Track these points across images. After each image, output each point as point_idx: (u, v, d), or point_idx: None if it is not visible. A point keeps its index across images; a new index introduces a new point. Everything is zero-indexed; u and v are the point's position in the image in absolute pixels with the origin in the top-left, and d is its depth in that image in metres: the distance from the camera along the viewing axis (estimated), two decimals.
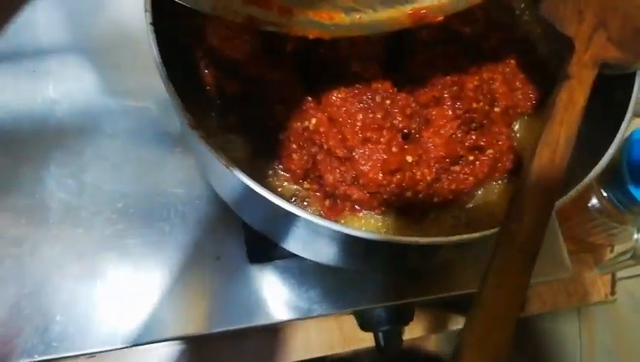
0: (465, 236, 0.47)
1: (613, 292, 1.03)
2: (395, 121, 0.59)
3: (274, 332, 0.85)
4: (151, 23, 0.50)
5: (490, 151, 0.62)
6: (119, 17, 0.83)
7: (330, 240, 0.53)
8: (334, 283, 0.75)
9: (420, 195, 0.59)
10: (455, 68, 0.63)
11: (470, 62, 0.64)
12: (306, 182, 0.61)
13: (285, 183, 0.62)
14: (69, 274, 0.71)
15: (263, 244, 0.73)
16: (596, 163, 0.53)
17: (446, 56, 0.63)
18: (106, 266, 0.72)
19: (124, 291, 0.71)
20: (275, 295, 0.74)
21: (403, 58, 0.65)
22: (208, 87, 0.62)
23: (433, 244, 0.47)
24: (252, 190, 0.47)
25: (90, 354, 0.69)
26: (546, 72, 0.68)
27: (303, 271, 0.76)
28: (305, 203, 0.62)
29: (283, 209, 0.46)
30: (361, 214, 0.61)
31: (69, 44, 0.82)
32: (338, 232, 0.47)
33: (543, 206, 0.50)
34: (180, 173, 0.77)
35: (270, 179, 0.62)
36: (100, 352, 0.70)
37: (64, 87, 0.80)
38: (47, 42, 0.81)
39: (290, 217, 0.48)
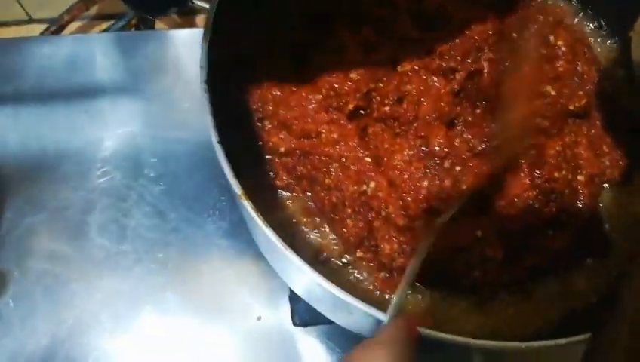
0: (546, 342, 0.40)
1: None
2: (464, 190, 0.52)
3: None
4: (204, 81, 0.46)
5: (572, 226, 0.54)
6: (175, 64, 0.81)
7: None
8: None
9: (489, 276, 0.52)
10: (535, 128, 0.56)
11: (552, 122, 0.57)
12: (359, 251, 0.55)
13: (335, 248, 0.57)
14: (105, 328, 0.68)
15: (308, 306, 0.67)
16: None
17: None
18: (143, 321, 0.68)
19: (159, 351, 0.67)
20: (319, 361, 0.68)
21: (473, 111, 0.59)
22: (261, 143, 0.58)
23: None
24: (312, 279, 0.41)
25: None
26: (638, 134, 0.60)
27: (351, 339, 0.69)
28: (355, 273, 0.56)
29: (348, 303, 0.40)
30: (419, 290, 0.54)
31: (123, 86, 0.80)
32: None
33: None
34: (225, 223, 0.73)
35: (320, 244, 0.57)
36: None
37: (113, 129, 0.78)
38: (101, 83, 0.80)
39: (352, 308, 0.42)
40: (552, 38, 0.60)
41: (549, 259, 0.54)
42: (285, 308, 0.69)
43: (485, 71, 0.57)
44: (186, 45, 0.82)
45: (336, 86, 0.53)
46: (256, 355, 0.68)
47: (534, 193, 0.54)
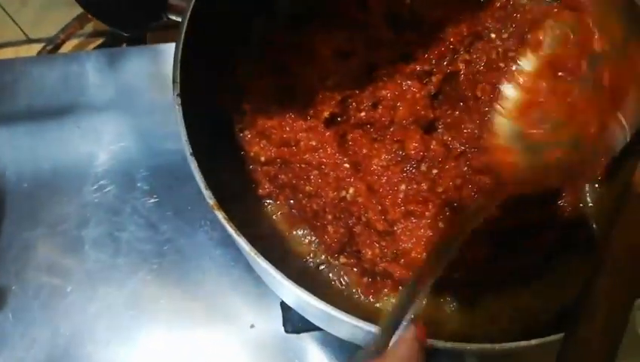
0: (520, 343, 0.40)
1: None
2: (441, 192, 0.52)
3: None
4: (178, 95, 0.47)
5: (556, 225, 0.54)
6: (166, 77, 0.82)
7: None
8: None
9: (471, 277, 0.52)
10: None
11: None
12: (342, 256, 0.55)
13: (319, 256, 0.57)
14: (102, 339, 0.69)
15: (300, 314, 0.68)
16: None
17: None
18: (139, 332, 0.69)
19: (155, 361, 0.68)
20: None
21: (452, 113, 0.59)
22: (243, 152, 0.59)
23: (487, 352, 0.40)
24: (294, 292, 0.42)
25: None
26: None
27: (344, 344, 0.69)
28: (340, 278, 0.56)
29: (334, 316, 0.41)
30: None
31: (115, 101, 0.81)
32: None
33: (620, 304, 0.41)
34: (217, 233, 0.74)
35: (304, 251, 0.57)
36: None
37: (106, 144, 0.79)
38: (93, 100, 0.81)
39: (337, 320, 0.42)
40: (529, 37, 0.60)
41: (533, 259, 0.54)
42: (278, 315, 0.69)
43: (462, 72, 0.57)
44: None
45: (313, 93, 0.54)
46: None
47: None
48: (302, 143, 0.55)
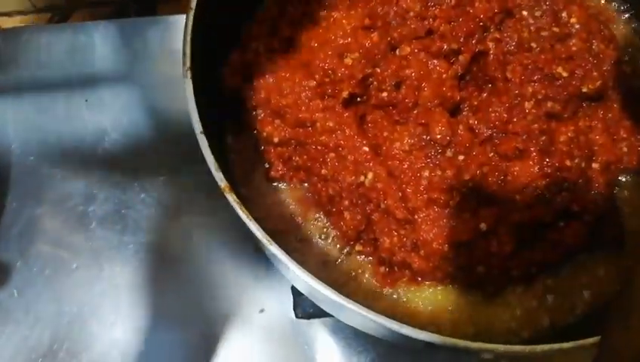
0: (552, 346, 0.37)
1: None
2: (468, 180, 0.49)
3: None
4: (188, 69, 0.43)
5: (586, 217, 0.51)
6: (177, 49, 0.79)
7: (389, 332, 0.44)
8: (389, 349, 0.66)
9: (495, 271, 0.49)
10: (545, 112, 0.53)
11: (564, 105, 0.53)
12: (358, 244, 0.53)
13: (334, 243, 0.54)
14: (107, 319, 0.67)
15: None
16: None
17: (535, 98, 0.53)
18: (144, 312, 0.68)
19: (161, 343, 0.66)
20: (323, 355, 0.66)
21: (479, 95, 0.55)
22: (255, 131, 0.55)
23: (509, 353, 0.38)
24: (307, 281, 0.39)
25: None
26: None
27: (356, 332, 0.67)
28: (355, 267, 0.53)
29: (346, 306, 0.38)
30: (422, 284, 0.52)
31: (124, 74, 0.78)
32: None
33: None
34: (227, 214, 0.71)
35: (318, 238, 0.55)
36: None
37: (114, 118, 0.76)
38: (101, 73, 0.78)
39: (349, 310, 0.40)
40: (564, 15, 0.56)
41: (560, 253, 0.51)
42: (288, 300, 0.67)
43: (491, 52, 0.53)
44: None
45: (330, 72, 0.50)
46: (259, 347, 0.67)
47: (544, 182, 0.50)
48: (318, 124, 0.52)
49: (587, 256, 0.53)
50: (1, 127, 0.76)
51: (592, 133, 0.53)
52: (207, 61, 0.48)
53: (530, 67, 0.53)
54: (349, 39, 0.51)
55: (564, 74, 0.52)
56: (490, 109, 0.53)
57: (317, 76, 0.51)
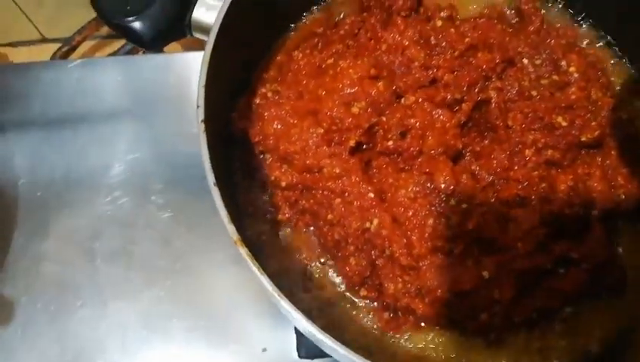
0: None
1: None
2: (471, 229, 0.50)
3: None
4: (202, 121, 0.45)
5: (585, 265, 0.52)
6: (184, 87, 0.80)
7: None
8: None
9: (497, 317, 0.50)
10: (545, 160, 0.54)
11: (563, 154, 0.54)
12: (363, 289, 0.54)
13: (339, 287, 0.55)
14: (111, 357, 0.68)
15: None
16: None
17: (536, 146, 0.54)
18: (149, 351, 0.68)
19: None
20: None
21: (481, 142, 0.56)
22: (263, 175, 0.57)
23: None
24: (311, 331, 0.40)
25: None
26: None
27: None
28: (359, 312, 0.54)
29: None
30: (425, 330, 0.53)
31: (130, 110, 0.80)
32: None
33: None
34: (232, 250, 0.72)
35: (324, 282, 0.55)
36: None
37: (121, 154, 0.77)
38: (109, 108, 0.80)
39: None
40: (563, 63, 0.58)
41: (560, 299, 0.52)
42: (291, 340, 0.68)
43: (493, 100, 0.55)
44: (194, 68, 0.82)
45: (337, 120, 0.52)
46: None
47: (544, 230, 0.51)
48: (325, 170, 0.53)
49: (589, 302, 0.54)
50: (9, 161, 0.77)
51: (590, 181, 0.55)
52: (221, 109, 0.50)
53: (530, 115, 0.55)
54: (356, 88, 0.53)
55: (564, 123, 0.54)
56: (492, 156, 0.54)
57: (324, 124, 0.52)
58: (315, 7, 0.64)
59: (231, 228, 0.42)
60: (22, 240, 0.73)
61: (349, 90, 0.53)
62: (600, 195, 0.54)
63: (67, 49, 0.99)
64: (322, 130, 0.53)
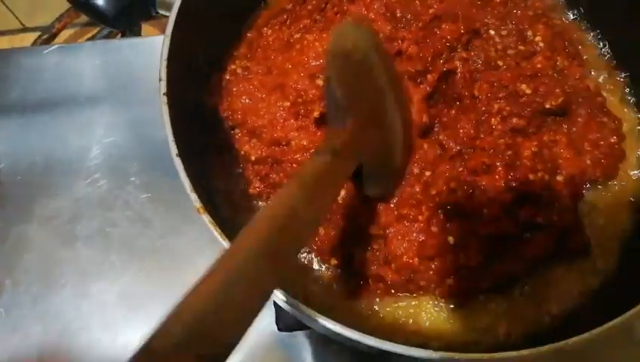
0: (514, 353, 0.39)
1: None
2: (434, 195, 0.51)
3: None
4: (164, 94, 0.45)
5: (550, 229, 0.52)
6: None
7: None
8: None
9: (464, 283, 0.51)
10: (510, 128, 0.55)
11: (528, 121, 0.55)
12: (333, 259, 0.54)
13: (310, 257, 0.56)
14: (94, 336, 0.69)
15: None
16: None
17: (501, 115, 0.55)
18: (131, 329, 0.69)
19: None
20: None
21: (448, 112, 0.57)
22: (234, 150, 0.57)
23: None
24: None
25: None
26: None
27: (336, 343, 0.69)
28: (332, 282, 0.55)
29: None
30: (395, 296, 0.54)
31: (109, 94, 0.80)
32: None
33: None
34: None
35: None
36: None
37: (100, 138, 0.78)
38: (87, 92, 0.80)
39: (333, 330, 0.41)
40: (529, 33, 0.58)
41: (526, 264, 0.53)
42: (270, 313, 0.69)
43: (459, 70, 0.56)
44: None
45: (302, 93, 0.52)
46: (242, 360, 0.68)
47: (510, 195, 0.52)
48: (293, 143, 0.54)
49: (554, 266, 0.55)
50: None
51: (556, 147, 0.55)
52: (188, 84, 0.50)
53: (495, 85, 0.55)
54: (321, 61, 0.53)
55: (528, 91, 0.55)
56: (459, 125, 0.55)
57: (290, 97, 0.53)
58: None
59: (193, 196, 0.43)
60: (3, 224, 0.74)
61: (314, 63, 0.53)
62: (566, 161, 0.55)
63: (47, 37, 1.00)
64: (289, 103, 0.53)
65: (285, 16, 0.61)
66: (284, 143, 0.54)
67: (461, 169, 0.54)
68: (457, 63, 0.56)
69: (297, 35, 0.57)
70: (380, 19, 0.56)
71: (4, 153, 0.78)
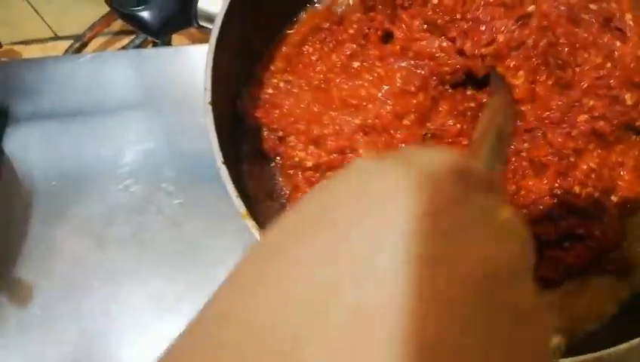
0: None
1: None
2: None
3: None
4: (209, 103, 0.46)
5: (591, 243, 0.52)
6: (192, 78, 0.82)
7: None
8: None
9: None
10: (592, 130, 0.52)
11: (613, 129, 0.52)
12: None
13: None
14: (127, 338, 0.70)
15: None
16: None
17: (592, 114, 0.52)
18: (163, 332, 0.70)
19: None
20: None
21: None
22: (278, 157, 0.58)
23: None
24: None
25: None
26: None
27: None
28: None
29: None
30: None
31: (141, 102, 0.81)
32: None
33: None
34: (245, 236, 0.74)
35: None
36: None
37: (132, 145, 0.79)
38: (120, 100, 0.82)
39: None
40: None
41: (561, 272, 0.52)
42: None
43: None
44: (200, 60, 0.83)
45: (377, 122, 0.54)
46: None
47: (553, 201, 0.52)
48: (360, 150, 0.54)
49: (589, 279, 0.54)
50: (24, 153, 0.79)
51: (620, 169, 0.53)
52: (229, 94, 0.51)
53: (603, 75, 0.51)
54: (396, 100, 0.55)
55: (629, 102, 0.51)
56: (552, 103, 0.52)
57: (360, 117, 0.54)
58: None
59: (238, 202, 0.43)
60: (39, 228, 0.75)
61: (390, 102, 0.54)
62: (625, 184, 0.53)
63: (79, 45, 1.01)
64: (359, 122, 0.54)
65: (324, 35, 0.61)
66: (349, 151, 0.55)
67: (523, 153, 0.53)
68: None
69: (357, 64, 0.58)
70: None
71: (39, 160, 0.80)
